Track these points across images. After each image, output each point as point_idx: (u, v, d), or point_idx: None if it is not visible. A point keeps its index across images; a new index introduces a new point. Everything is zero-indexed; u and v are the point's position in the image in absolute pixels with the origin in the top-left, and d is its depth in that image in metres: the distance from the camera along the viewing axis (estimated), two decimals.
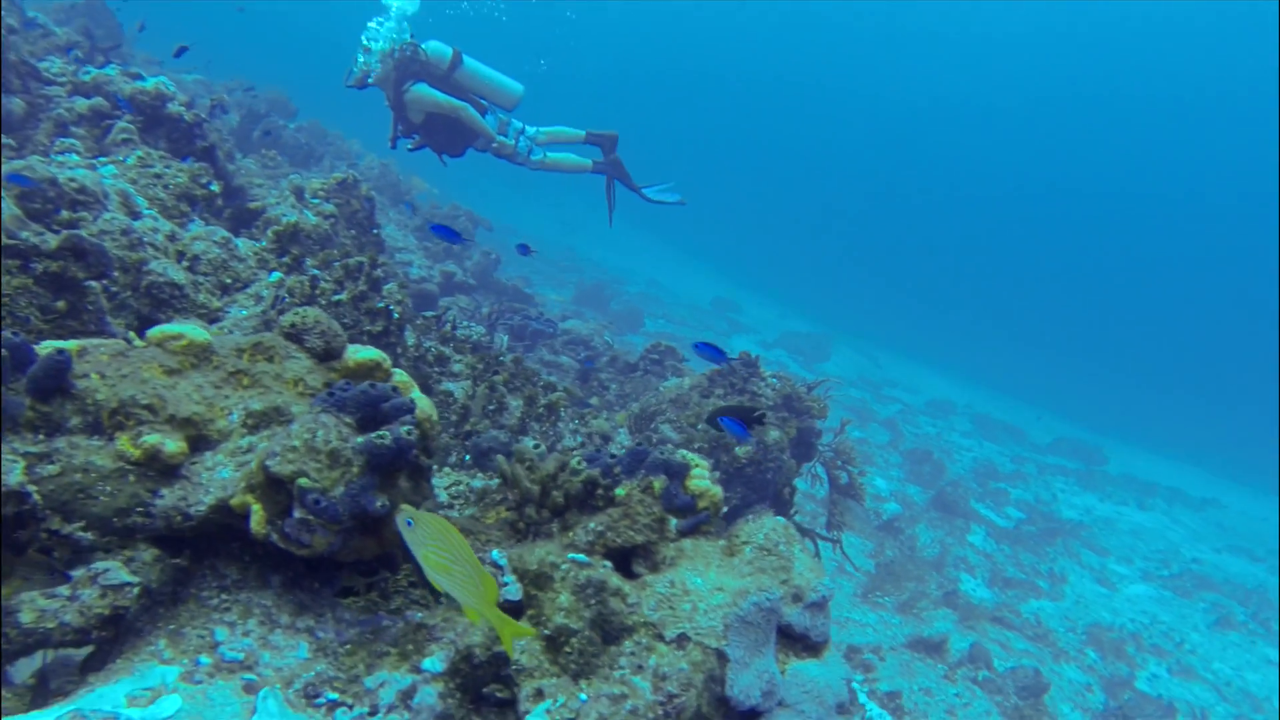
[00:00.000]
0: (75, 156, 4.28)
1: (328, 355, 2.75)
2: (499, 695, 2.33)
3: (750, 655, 2.53)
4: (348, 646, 2.30)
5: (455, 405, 4.70)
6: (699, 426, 5.01)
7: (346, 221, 6.44)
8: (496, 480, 3.10)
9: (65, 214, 3.43)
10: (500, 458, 2.94)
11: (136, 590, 2.06)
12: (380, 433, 2.11)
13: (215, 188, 4.51)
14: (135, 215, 3.92)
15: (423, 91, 6.68)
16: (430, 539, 1.78)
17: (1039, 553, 13.43)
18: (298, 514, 2.11)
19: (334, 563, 2.59)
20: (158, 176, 4.26)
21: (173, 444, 2.21)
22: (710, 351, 3.91)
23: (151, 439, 2.17)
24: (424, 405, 2.71)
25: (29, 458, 2.07)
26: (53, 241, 3.00)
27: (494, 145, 6.98)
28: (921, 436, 16.93)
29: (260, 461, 2.14)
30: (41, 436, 2.14)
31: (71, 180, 3.59)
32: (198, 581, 2.26)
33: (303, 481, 2.07)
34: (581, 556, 2.45)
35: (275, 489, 2.14)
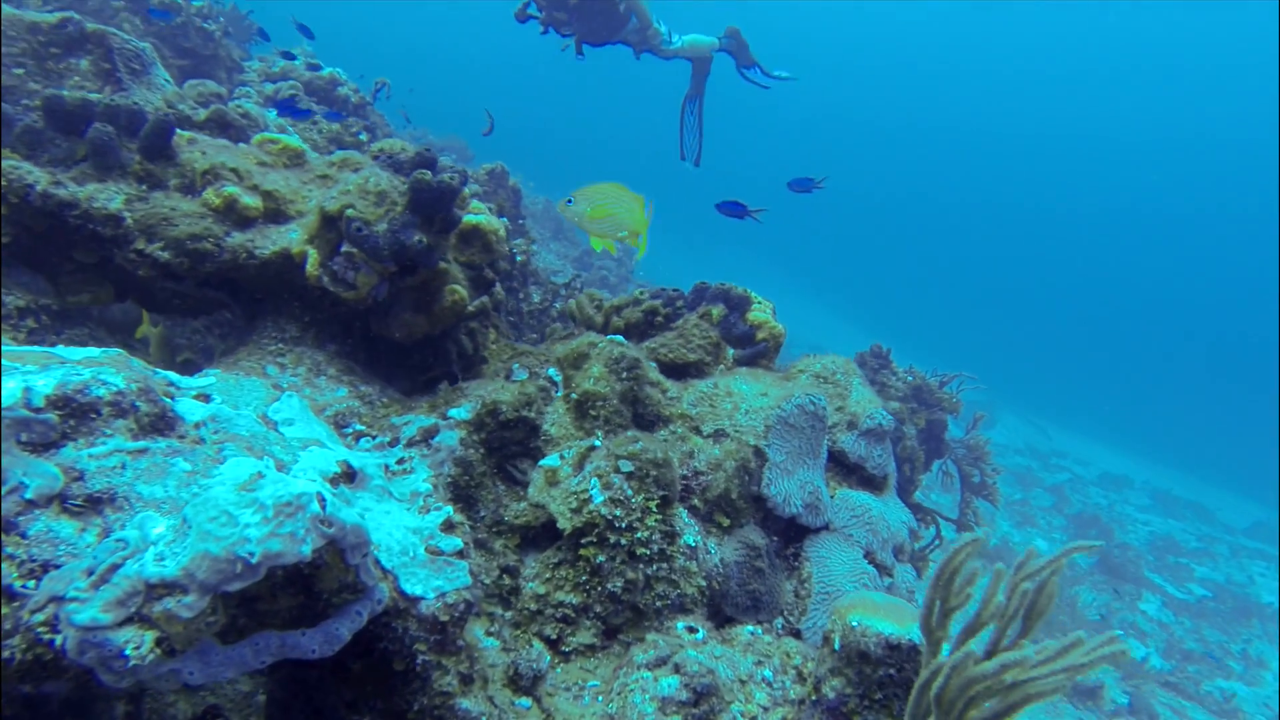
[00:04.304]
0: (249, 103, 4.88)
1: None
2: (519, 470, 2.30)
3: (793, 463, 2.36)
4: (384, 401, 2.36)
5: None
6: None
7: None
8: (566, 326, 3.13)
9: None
10: (572, 298, 2.98)
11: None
12: (424, 171, 2.21)
13: (364, 137, 4.96)
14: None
15: None
16: (582, 199, 1.90)
17: (1228, 632, 11.66)
18: (344, 248, 2.23)
19: (393, 354, 2.69)
20: (315, 123, 4.81)
21: (250, 199, 2.41)
22: (729, 207, 3.47)
23: (231, 189, 2.38)
24: (492, 222, 2.81)
25: (129, 196, 2.33)
26: (202, 114, 3.42)
27: (649, 32, 5.99)
28: (1090, 505, 15.38)
29: (319, 206, 2.30)
30: (144, 188, 2.40)
31: (238, 107, 4.09)
32: (260, 331, 2.42)
33: (349, 212, 2.20)
34: (619, 338, 2.41)
35: (328, 228, 2.28)
